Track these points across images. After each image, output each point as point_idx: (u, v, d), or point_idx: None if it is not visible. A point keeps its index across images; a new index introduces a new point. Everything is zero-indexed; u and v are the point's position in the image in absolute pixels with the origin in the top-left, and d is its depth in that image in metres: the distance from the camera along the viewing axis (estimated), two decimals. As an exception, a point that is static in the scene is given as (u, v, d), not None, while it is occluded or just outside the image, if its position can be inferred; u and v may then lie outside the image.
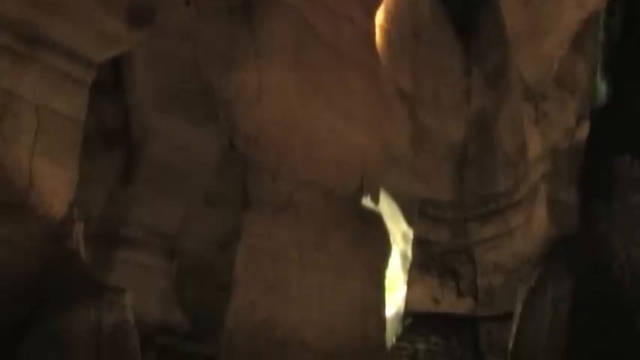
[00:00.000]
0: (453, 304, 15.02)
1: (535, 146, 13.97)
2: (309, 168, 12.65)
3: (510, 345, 13.27)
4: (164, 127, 11.16)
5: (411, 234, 14.98)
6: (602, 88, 14.27)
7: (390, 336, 14.67)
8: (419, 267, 14.93)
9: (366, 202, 13.63)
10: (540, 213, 13.62)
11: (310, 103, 12.84)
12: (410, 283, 15.00)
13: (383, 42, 15.07)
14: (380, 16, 14.99)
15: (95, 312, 8.68)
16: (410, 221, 14.99)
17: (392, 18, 15.31)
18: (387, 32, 15.28)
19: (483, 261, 14.86)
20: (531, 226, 13.84)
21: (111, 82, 11.09)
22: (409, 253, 14.96)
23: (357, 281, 12.93)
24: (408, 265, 14.98)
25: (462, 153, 15.56)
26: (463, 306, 14.99)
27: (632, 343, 11.42)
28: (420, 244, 14.99)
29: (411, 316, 15.03)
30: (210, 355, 11.20)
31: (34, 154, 8.99)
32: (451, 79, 15.79)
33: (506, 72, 15.14)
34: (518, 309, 13.14)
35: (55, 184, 9.09)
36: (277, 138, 12.38)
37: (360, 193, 13.49)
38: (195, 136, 11.36)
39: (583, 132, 13.72)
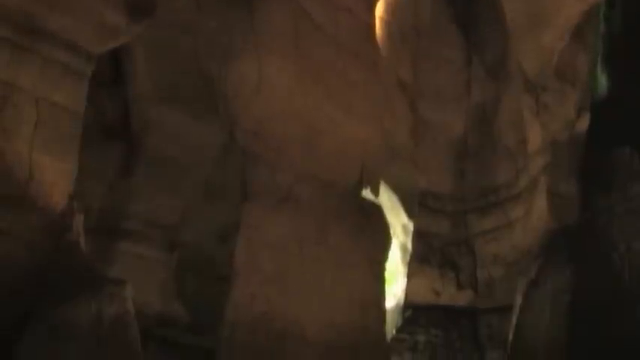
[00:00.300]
0: (452, 296, 15.04)
1: (535, 138, 13.97)
2: (309, 160, 12.65)
3: (510, 337, 13.31)
4: (164, 120, 11.14)
5: (411, 226, 14.99)
6: (603, 80, 14.26)
7: (390, 328, 14.70)
8: (419, 259, 14.95)
9: (366, 194, 13.63)
10: (540, 205, 13.62)
11: (310, 94, 12.84)
12: (410, 275, 15.02)
13: (383, 33, 15.05)
14: (380, 8, 14.97)
15: (96, 304, 8.69)
16: (410, 213, 14.99)
17: (392, 10, 15.30)
18: (387, 24, 15.26)
19: (483, 253, 14.88)
20: (531, 218, 13.85)
21: (111, 74, 11.09)
22: (409, 246, 14.97)
23: (357, 273, 12.94)
24: (408, 258, 14.99)
25: (462, 145, 15.57)
26: (463, 298, 15.01)
27: (632, 334, 11.45)
28: (420, 236, 15.00)
29: (410, 308, 15.06)
30: (210, 347, 11.20)
31: (33, 146, 8.97)
32: (451, 70, 15.78)
33: (507, 64, 15.13)
34: (518, 301, 13.16)
35: (54, 176, 9.08)
36: (277, 130, 12.37)
37: (360, 185, 13.49)
38: (195, 129, 11.35)
39: (583, 124, 13.72)
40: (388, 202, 14.56)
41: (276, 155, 12.32)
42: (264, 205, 12.09)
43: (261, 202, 12.07)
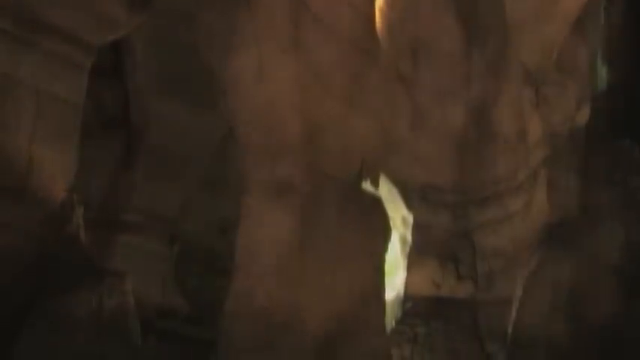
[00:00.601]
0: (452, 288, 15.04)
1: (535, 130, 13.98)
2: (308, 153, 12.67)
3: (509, 329, 13.35)
4: (164, 112, 11.17)
5: (410, 218, 14.99)
6: (603, 72, 14.27)
7: (390, 320, 14.75)
8: (419, 251, 14.95)
9: (366, 186, 13.64)
10: (540, 197, 13.64)
11: (310, 87, 12.84)
12: (409, 267, 15.03)
13: (383, 26, 15.06)
14: (380, 0, 14.98)
15: (95, 296, 8.72)
16: (410, 205, 15.02)
17: (392, 2, 15.30)
18: (387, 16, 15.27)
19: (483, 245, 14.87)
20: (531, 211, 13.87)
21: (111, 66, 11.10)
22: (409, 237, 14.98)
23: (357, 265, 12.94)
24: (407, 250, 15.04)
25: (462, 137, 15.56)
26: (463, 290, 15.02)
27: (631, 327, 11.48)
28: (419, 228, 15.01)
29: (410, 300, 15.09)
30: (211, 338, 11.26)
31: (33, 138, 8.98)
32: (451, 63, 15.80)
33: (507, 56, 15.12)
34: (518, 293, 13.20)
35: (54, 168, 9.10)
36: (277, 123, 12.38)
37: (360, 177, 13.50)
38: (196, 121, 11.37)
39: (583, 116, 13.73)
40: (388, 194, 14.56)
41: (276, 147, 12.33)
42: (264, 197, 12.09)
43: (261, 194, 12.08)
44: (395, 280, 15.39)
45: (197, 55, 11.73)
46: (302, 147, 12.87)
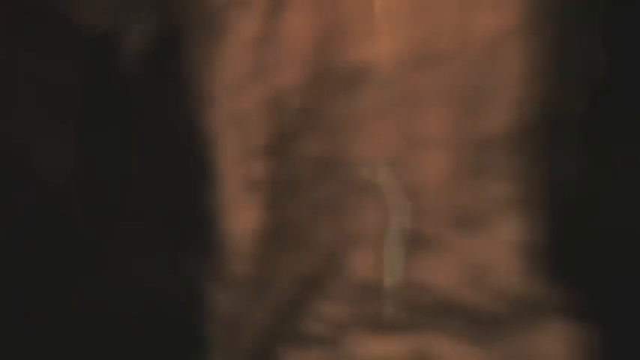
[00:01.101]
0: (452, 276, 15.12)
1: (534, 119, 14.00)
2: (308, 141, 12.73)
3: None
4: (163, 103, 11.24)
5: (409, 206, 15.06)
6: (603, 60, 14.29)
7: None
8: (417, 240, 15.02)
9: (365, 174, 13.68)
10: (539, 187, 13.69)
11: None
12: (408, 256, 15.10)
13: (381, 13, 15.08)
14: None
15: (95, 285, 8.87)
16: (409, 193, 15.08)
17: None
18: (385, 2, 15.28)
19: (483, 233, 14.95)
20: (531, 199, 13.93)
21: (109, 54, 11.18)
22: (408, 226, 15.04)
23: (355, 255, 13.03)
24: (406, 238, 15.09)
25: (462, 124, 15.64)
26: (462, 278, 15.09)
27: (629, 321, 11.54)
28: (418, 216, 15.07)
29: (409, 289, 15.15)
30: (210, 327, 11.37)
31: (31, 127, 9.10)
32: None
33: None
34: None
35: (53, 157, 9.20)
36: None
37: (357, 165, 13.56)
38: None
39: (582, 103, 13.75)
40: (387, 182, 14.64)
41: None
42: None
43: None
44: (394, 269, 15.51)
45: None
46: (301, 136, 12.95)
